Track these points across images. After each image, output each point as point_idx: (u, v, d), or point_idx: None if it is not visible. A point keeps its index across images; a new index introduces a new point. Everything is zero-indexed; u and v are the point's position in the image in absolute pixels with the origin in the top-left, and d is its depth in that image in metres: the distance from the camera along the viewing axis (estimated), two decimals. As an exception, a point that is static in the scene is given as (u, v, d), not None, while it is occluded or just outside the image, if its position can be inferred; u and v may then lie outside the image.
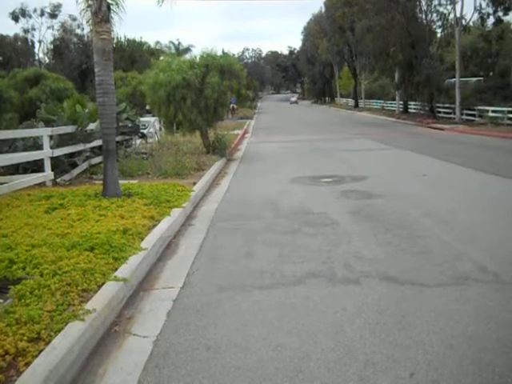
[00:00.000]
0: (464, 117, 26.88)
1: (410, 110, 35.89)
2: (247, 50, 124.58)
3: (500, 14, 27.48)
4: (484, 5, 27.72)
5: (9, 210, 6.85)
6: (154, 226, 6.05)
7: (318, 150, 16.42)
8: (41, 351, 2.92)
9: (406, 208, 7.28)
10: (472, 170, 10.89)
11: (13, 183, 8.31)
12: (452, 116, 28.10)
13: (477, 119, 25.55)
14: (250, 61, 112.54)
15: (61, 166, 10.02)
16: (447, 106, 29.08)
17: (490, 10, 27.65)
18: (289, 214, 7.14)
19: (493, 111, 24.39)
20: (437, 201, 7.78)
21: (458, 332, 3.34)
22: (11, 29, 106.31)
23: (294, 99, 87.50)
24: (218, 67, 13.79)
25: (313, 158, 14.18)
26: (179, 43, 52.70)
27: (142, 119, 17.08)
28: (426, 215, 6.77)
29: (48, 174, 9.31)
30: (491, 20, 28.22)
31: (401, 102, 37.93)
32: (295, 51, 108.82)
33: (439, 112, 29.90)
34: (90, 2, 7.96)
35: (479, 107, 25.71)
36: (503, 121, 23.26)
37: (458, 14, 27.58)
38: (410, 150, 15.46)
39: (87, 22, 8.39)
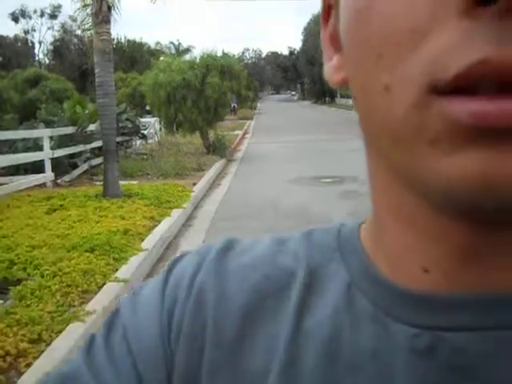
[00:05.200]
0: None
1: (410, 111, 35.98)
2: (247, 50, 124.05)
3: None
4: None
5: (9, 211, 6.85)
6: (155, 226, 6.06)
7: (318, 150, 16.42)
8: (42, 352, 2.92)
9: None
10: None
11: (13, 184, 8.30)
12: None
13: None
14: (250, 61, 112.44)
15: (61, 166, 10.02)
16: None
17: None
18: (289, 215, 7.14)
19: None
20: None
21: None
22: (11, 30, 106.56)
23: (289, 93, 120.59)
24: (219, 68, 13.79)
25: (313, 159, 14.17)
26: (179, 44, 52.56)
27: (142, 120, 17.08)
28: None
29: (48, 174, 9.31)
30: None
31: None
32: (295, 52, 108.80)
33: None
34: (86, 1, 7.96)
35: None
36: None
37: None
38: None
39: (81, 21, 8.39)
